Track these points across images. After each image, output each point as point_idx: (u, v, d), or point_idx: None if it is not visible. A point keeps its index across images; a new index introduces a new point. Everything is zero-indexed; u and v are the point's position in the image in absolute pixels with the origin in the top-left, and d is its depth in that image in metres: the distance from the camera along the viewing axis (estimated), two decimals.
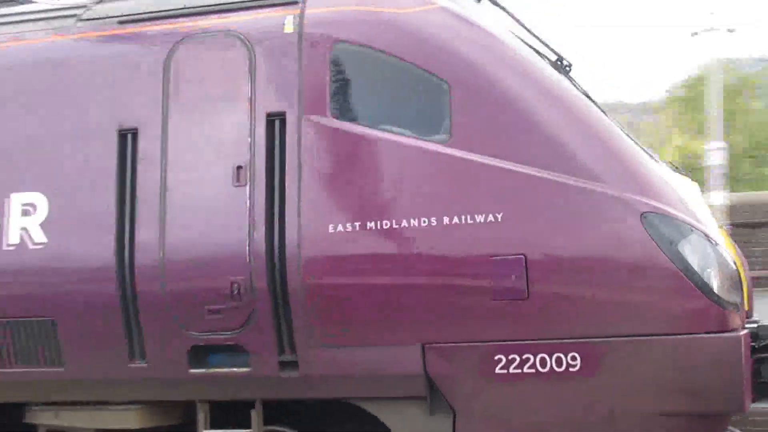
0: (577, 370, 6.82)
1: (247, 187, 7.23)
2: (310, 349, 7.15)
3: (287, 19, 7.38)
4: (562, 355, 6.83)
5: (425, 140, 7.07)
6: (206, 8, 7.64)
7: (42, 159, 7.69)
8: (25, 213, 7.62)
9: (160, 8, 7.76)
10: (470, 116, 7.01)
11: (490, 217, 6.87)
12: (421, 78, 7.14)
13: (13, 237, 7.61)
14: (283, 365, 7.24)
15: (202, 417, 7.51)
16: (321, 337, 7.11)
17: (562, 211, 6.84)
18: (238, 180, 7.25)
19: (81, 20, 7.92)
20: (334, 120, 7.19)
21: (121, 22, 7.80)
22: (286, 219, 7.14)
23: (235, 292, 7.18)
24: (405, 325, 7.01)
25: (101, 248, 7.44)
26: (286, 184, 7.17)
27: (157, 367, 7.44)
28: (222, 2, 7.63)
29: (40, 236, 7.57)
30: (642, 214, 6.76)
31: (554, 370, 6.85)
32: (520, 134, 6.96)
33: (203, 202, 7.31)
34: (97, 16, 7.89)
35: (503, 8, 7.79)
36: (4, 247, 7.62)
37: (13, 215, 7.63)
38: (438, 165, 7.01)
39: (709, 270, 6.75)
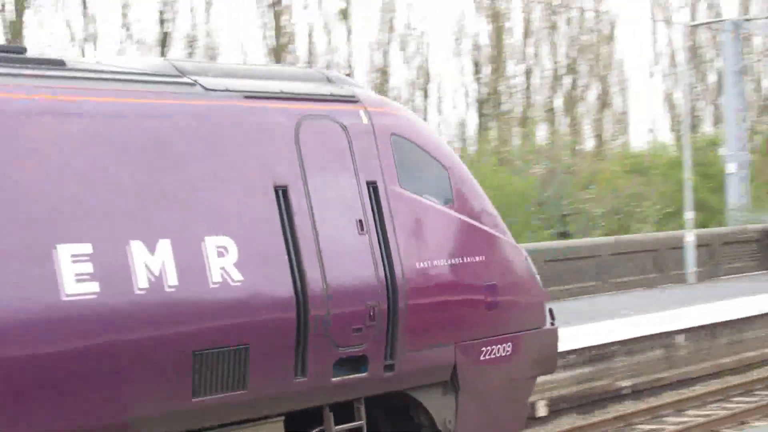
0: (510, 354, 10.95)
1: (368, 236, 9.63)
2: (403, 353, 9.84)
3: (361, 113, 9.96)
4: (505, 344, 10.89)
5: (445, 207, 10.45)
6: (308, 96, 9.66)
7: (221, 206, 8.72)
8: (220, 254, 8.59)
9: (278, 90, 9.47)
10: (459, 192, 10.65)
11: (481, 258, 10.64)
12: (434, 163, 10.49)
13: (216, 276, 8.52)
14: (385, 368, 9.73)
15: (331, 417, 9.42)
16: (409, 343, 9.88)
17: (504, 254, 10.96)
18: (361, 230, 9.59)
19: (208, 90, 9.02)
20: (402, 189, 10.07)
21: (246, 97, 9.21)
22: (393, 258, 9.77)
23: (372, 313, 9.53)
24: (450, 330, 10.26)
25: (283, 283, 8.94)
26: (387, 234, 9.79)
27: (313, 380, 9.17)
28: (318, 93, 9.75)
29: (237, 275, 8.66)
30: (525, 257, 11.29)
31: (502, 355, 10.86)
32: (476, 205, 10.86)
33: (345, 246, 9.45)
34: (222, 88, 9.12)
35: None
36: (210, 285, 8.48)
37: (211, 256, 8.52)
38: (454, 223, 10.47)
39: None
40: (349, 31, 54.18)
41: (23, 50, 8.83)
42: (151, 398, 8.20)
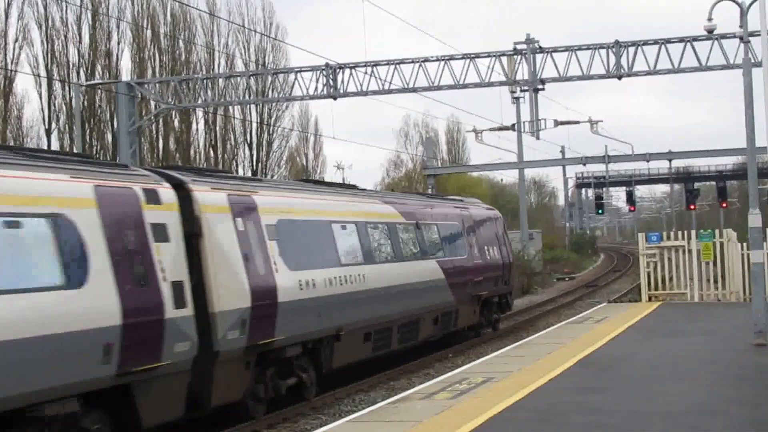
0: (514, 285, 31.57)
1: (505, 247, 30.31)
2: (509, 283, 32.59)
3: (493, 212, 32.21)
4: (513, 281, 31.43)
5: (502, 229, 30.96)
6: (485, 206, 30.55)
7: (492, 239, 30.91)
8: (495, 252, 29.03)
9: (483, 205, 30.00)
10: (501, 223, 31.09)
11: (510, 249, 31.13)
12: (498, 218, 30.98)
13: (491, 258, 28.95)
14: (505, 285, 30.66)
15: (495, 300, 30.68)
16: (509, 281, 30.90)
17: (511, 246, 31.54)
18: (505, 243, 30.37)
19: (470, 204, 28.84)
20: (501, 229, 30.65)
21: (485, 209, 28.99)
22: (502, 254, 30.44)
23: (506, 268, 31.80)
24: (512, 276, 32.16)
25: (499, 260, 31.65)
26: (500, 247, 30.24)
27: (500, 286, 32.76)
28: (485, 205, 30.23)
29: (496, 257, 29.53)
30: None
31: (514, 284, 31.69)
32: (502, 226, 31.19)
33: (504, 247, 30.31)
34: (479, 205, 28.86)
35: None
36: (495, 259, 29.37)
37: (491, 252, 28.85)
38: (506, 237, 31.47)
39: None
40: None
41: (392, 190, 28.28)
42: (486, 286, 30.43)
